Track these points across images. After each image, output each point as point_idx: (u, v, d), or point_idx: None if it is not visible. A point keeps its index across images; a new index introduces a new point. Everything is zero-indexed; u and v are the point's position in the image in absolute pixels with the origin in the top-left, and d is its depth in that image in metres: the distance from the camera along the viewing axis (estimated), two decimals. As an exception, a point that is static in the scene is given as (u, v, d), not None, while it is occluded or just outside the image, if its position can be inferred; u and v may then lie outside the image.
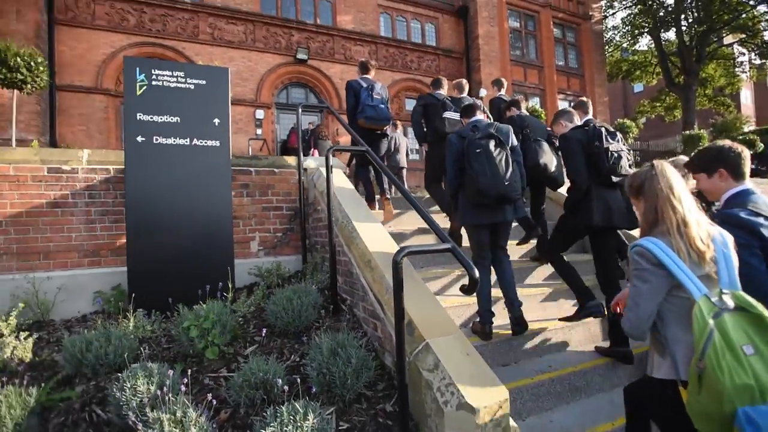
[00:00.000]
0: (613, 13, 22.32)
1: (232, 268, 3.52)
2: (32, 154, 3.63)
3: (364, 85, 4.49)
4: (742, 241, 1.58)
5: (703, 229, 1.48)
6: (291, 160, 4.31)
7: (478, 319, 2.94)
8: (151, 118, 3.35)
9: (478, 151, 2.80)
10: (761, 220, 1.65)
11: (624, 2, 21.61)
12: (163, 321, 3.16)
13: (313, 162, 4.30)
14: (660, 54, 19.42)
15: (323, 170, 3.69)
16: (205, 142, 3.50)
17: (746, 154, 1.82)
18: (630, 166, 2.93)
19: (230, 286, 3.40)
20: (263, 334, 2.81)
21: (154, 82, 3.37)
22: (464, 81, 4.66)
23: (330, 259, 3.18)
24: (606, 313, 2.98)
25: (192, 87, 3.47)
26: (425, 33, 14.36)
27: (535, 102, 14.95)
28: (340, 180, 3.88)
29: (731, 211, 1.72)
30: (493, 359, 2.76)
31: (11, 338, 2.86)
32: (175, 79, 3.42)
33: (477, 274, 1.99)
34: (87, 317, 3.49)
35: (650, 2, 18.83)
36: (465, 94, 4.48)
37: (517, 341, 2.96)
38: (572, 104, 4.02)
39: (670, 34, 20.80)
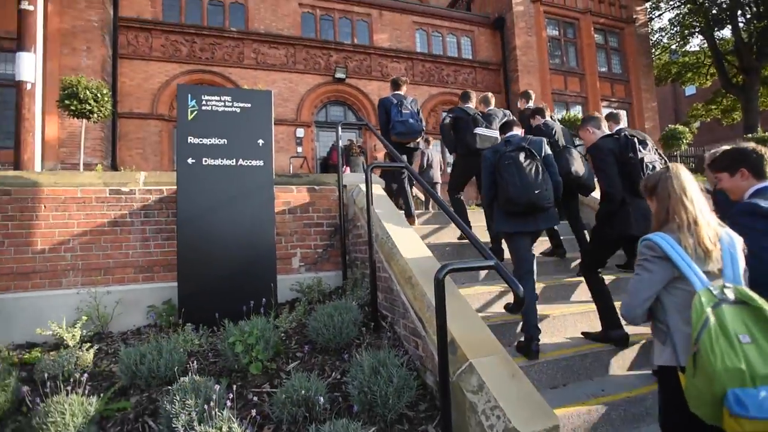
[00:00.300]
0: (660, 15, 21.31)
1: (274, 284, 3.60)
2: (96, 177, 3.94)
3: (395, 101, 4.62)
4: (761, 227, 1.71)
5: (712, 229, 1.56)
6: (331, 177, 4.40)
7: (522, 338, 2.82)
8: (201, 140, 3.55)
9: (507, 162, 2.93)
10: None
11: (671, 2, 20.61)
12: (210, 335, 3.27)
13: (352, 178, 4.36)
14: (714, 54, 18.23)
15: (362, 186, 3.73)
16: (250, 162, 3.65)
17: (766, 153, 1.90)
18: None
19: (273, 302, 3.48)
20: (305, 351, 2.83)
21: (203, 107, 3.58)
22: (490, 94, 4.72)
23: (370, 276, 3.18)
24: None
25: (238, 110, 3.65)
26: (461, 46, 14.36)
27: (576, 111, 14.44)
28: (380, 196, 3.90)
29: (749, 201, 1.81)
30: (540, 381, 2.61)
31: (75, 349, 3.07)
32: (222, 104, 3.61)
33: (522, 292, 1.91)
34: (141, 330, 3.68)
35: (701, 0, 17.83)
36: (492, 107, 4.58)
37: (566, 362, 2.79)
38: (605, 115, 3.97)
39: (725, 32, 19.53)
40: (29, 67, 4.75)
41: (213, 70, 11.33)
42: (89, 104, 6.82)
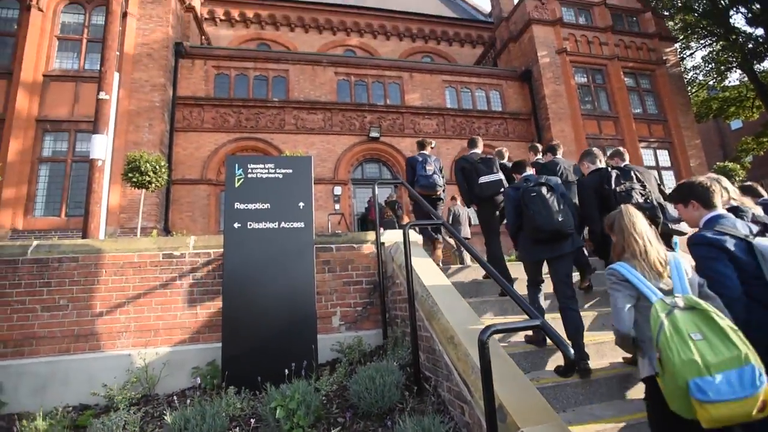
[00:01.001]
0: (691, 54, 21.13)
1: (315, 346, 3.58)
2: (152, 242, 4.24)
3: (420, 159, 5.22)
4: (713, 255, 1.92)
5: (661, 254, 1.92)
6: (369, 235, 4.48)
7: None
8: (247, 206, 3.78)
9: (533, 195, 3.23)
10: (726, 237, 1.93)
11: (702, 41, 20.46)
12: (251, 398, 3.26)
13: (390, 236, 4.42)
14: (757, 86, 17.61)
15: (401, 244, 3.76)
16: (292, 225, 3.82)
17: (715, 187, 2.10)
18: (647, 200, 3.33)
19: (314, 363, 3.45)
20: (347, 417, 2.75)
21: (249, 175, 3.85)
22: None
23: (411, 335, 3.11)
24: None
25: (281, 176, 3.89)
26: (490, 99, 14.78)
27: (615, 153, 14.14)
28: (418, 253, 3.90)
29: (700, 234, 2.03)
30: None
31: (124, 412, 3.14)
32: (266, 171, 3.88)
33: (573, 354, 1.80)
34: (186, 393, 3.73)
35: (734, 37, 17.58)
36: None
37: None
38: (611, 152, 4.35)
39: (767, 64, 18.96)
40: (101, 147, 5.37)
41: (257, 136, 12.25)
42: (149, 176, 7.51)
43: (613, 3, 16.29)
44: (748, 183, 3.31)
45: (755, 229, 2.03)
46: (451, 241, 8.37)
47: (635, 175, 3.46)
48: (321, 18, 18.14)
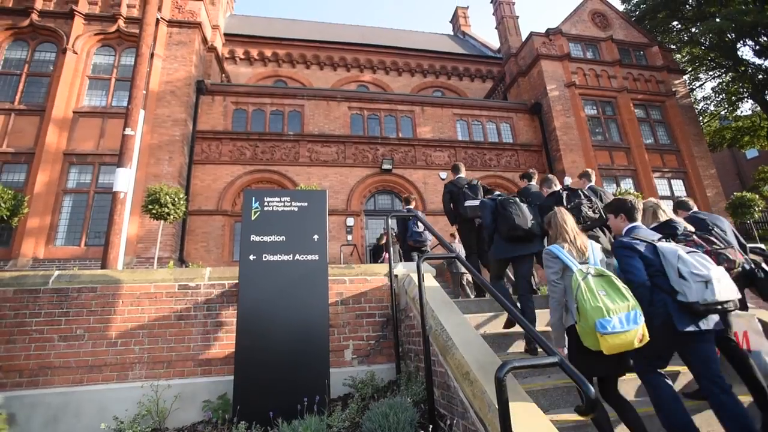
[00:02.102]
0: (701, 85, 21.29)
1: (328, 380, 3.53)
2: (168, 273, 4.31)
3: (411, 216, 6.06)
4: (627, 254, 2.65)
5: (585, 242, 2.81)
6: (382, 267, 4.48)
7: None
8: (262, 238, 3.84)
9: (511, 202, 4.09)
10: (637, 242, 2.68)
11: (711, 73, 20.64)
12: (263, 435, 3.20)
13: (403, 268, 4.41)
14: (770, 116, 17.55)
15: (414, 276, 3.74)
16: (306, 257, 3.86)
17: (639, 205, 2.93)
18: (594, 211, 4.18)
19: (326, 399, 3.39)
20: (359, 456, 2.66)
21: (266, 208, 3.94)
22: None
23: (425, 371, 3.05)
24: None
25: (296, 209, 3.98)
26: (501, 132, 14.98)
27: (627, 184, 14.05)
28: (432, 285, 3.88)
29: (619, 239, 2.80)
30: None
31: (134, 448, 3.10)
32: (282, 204, 3.97)
33: (593, 392, 1.75)
34: (196, 427, 3.67)
35: (743, 68, 17.70)
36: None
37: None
38: (579, 174, 5.30)
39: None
40: (125, 180, 5.58)
41: (272, 168, 12.55)
42: (168, 207, 7.72)
43: (619, 38, 16.68)
44: (683, 198, 4.16)
45: (657, 236, 2.75)
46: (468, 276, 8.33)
47: (581, 193, 4.38)
48: (335, 56, 18.92)
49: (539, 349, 3.30)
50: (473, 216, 5.25)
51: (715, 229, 3.29)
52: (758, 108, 18.80)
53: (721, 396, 2.34)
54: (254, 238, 3.83)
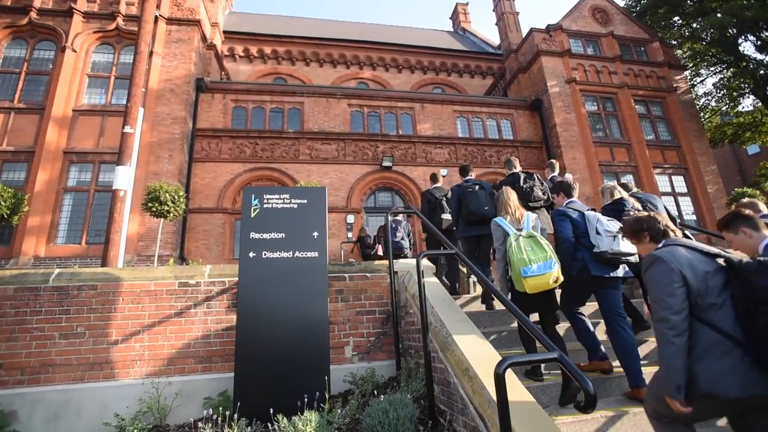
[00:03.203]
0: (702, 81, 21.19)
1: (328, 377, 3.53)
2: (169, 271, 4.31)
3: (393, 225, 6.66)
4: (560, 218, 3.41)
5: (522, 213, 3.47)
6: (382, 264, 4.48)
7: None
8: (262, 235, 3.84)
9: (470, 191, 4.94)
10: (571, 211, 3.44)
11: (712, 68, 20.54)
12: (263, 431, 3.20)
13: (403, 265, 4.41)
14: (772, 112, 17.48)
15: (414, 273, 3.74)
16: (305, 254, 3.85)
17: (575, 185, 3.77)
18: (543, 193, 4.86)
19: (326, 396, 3.39)
20: (359, 452, 2.67)
21: (265, 205, 3.93)
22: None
23: (425, 367, 3.05)
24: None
25: (296, 206, 3.97)
26: (501, 128, 14.95)
27: (628, 180, 14.01)
28: (432, 282, 3.88)
29: (557, 208, 3.60)
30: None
31: (135, 444, 3.11)
32: (281, 201, 3.96)
33: (593, 388, 1.75)
34: (197, 423, 3.67)
35: (744, 64, 17.61)
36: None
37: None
38: (547, 163, 6.07)
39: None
40: (124, 178, 5.58)
41: (272, 166, 12.54)
42: (168, 205, 7.72)
43: (620, 34, 16.61)
44: (624, 182, 5.04)
45: (587, 208, 3.51)
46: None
47: (536, 176, 5.06)
48: (335, 53, 18.87)
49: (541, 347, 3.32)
50: (447, 227, 5.54)
51: (648, 204, 4.22)
52: (759, 104, 18.73)
53: (620, 330, 3.11)
54: (254, 235, 3.83)
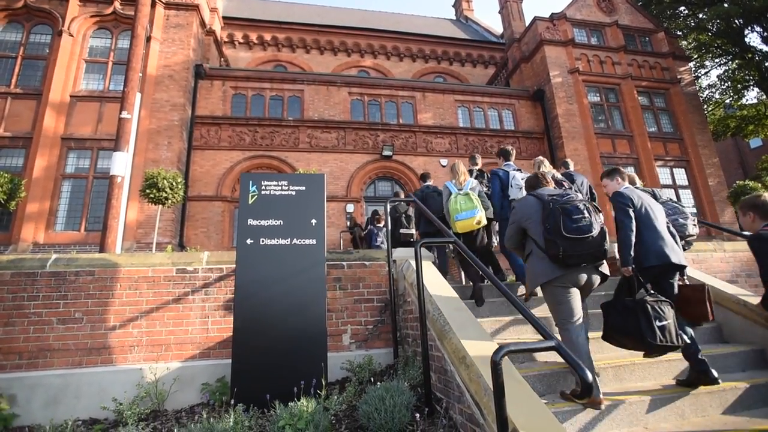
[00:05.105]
0: (706, 73, 20.97)
1: (325, 364, 3.54)
2: (166, 257, 4.30)
3: (375, 231, 8.11)
4: (494, 178, 4.82)
5: (466, 179, 4.72)
6: (381, 252, 4.47)
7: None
8: (260, 222, 3.82)
9: (428, 195, 5.74)
10: (500, 170, 4.84)
11: (717, 60, 20.32)
12: (260, 417, 3.22)
13: (401, 253, 4.40)
14: (776, 105, 17.33)
15: (412, 262, 3.73)
16: (304, 241, 3.83)
17: (512, 151, 5.01)
18: (523, 180, 4.82)
19: (323, 383, 3.40)
20: (356, 438, 2.68)
21: (263, 192, 3.90)
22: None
23: (422, 355, 3.05)
24: None
25: (294, 193, 3.94)
26: (503, 118, 14.82)
27: (629, 172, 13.94)
28: (430, 271, 3.87)
29: (492, 169, 4.96)
30: None
31: (132, 428, 3.13)
32: (279, 188, 3.93)
33: (590, 377, 1.74)
34: (194, 409, 3.70)
35: (750, 55, 17.40)
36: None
37: None
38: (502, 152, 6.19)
39: (785, 83, 18.64)
40: (122, 164, 5.53)
41: (271, 154, 12.47)
42: (166, 192, 7.68)
43: (625, 23, 16.38)
44: (566, 160, 5.78)
45: (513, 167, 4.82)
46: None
47: (484, 172, 5.70)
48: (336, 40, 18.64)
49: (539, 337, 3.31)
50: (405, 240, 6.72)
51: (568, 181, 4.77)
52: (764, 96, 18.56)
53: (516, 258, 4.35)
54: (251, 222, 3.80)
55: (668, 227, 3.22)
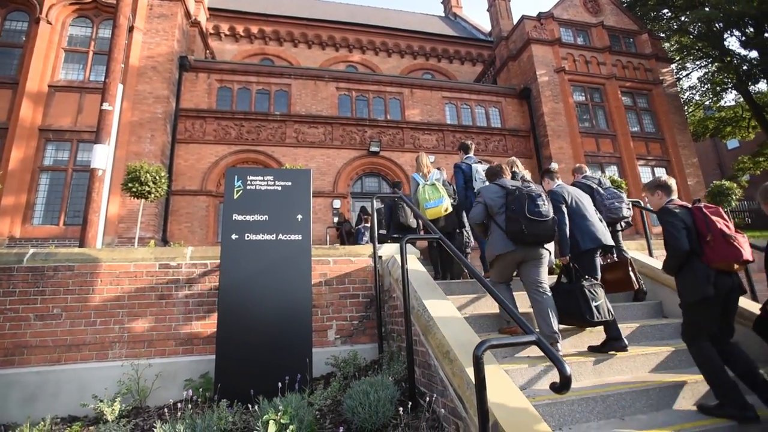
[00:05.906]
0: (687, 75, 21.48)
1: (310, 360, 3.55)
2: (149, 252, 4.23)
3: (363, 231, 8.34)
4: (457, 172, 5.23)
5: (430, 170, 5.20)
6: (366, 248, 4.47)
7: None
8: (245, 217, 3.78)
9: (400, 204, 5.66)
10: (464, 165, 5.19)
11: (698, 62, 20.82)
12: (243, 412, 3.21)
13: (387, 249, 4.41)
14: (753, 107, 17.86)
15: (398, 257, 3.75)
16: (289, 237, 3.81)
17: (471, 145, 5.39)
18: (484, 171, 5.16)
19: (308, 378, 3.41)
20: (340, 432, 2.70)
21: (248, 187, 3.86)
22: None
23: (407, 350, 3.08)
24: None
25: (279, 188, 3.91)
26: (490, 116, 14.94)
27: (612, 171, 14.24)
28: (415, 267, 3.89)
29: (455, 163, 5.33)
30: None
31: (114, 424, 3.09)
32: (265, 183, 3.89)
33: (569, 370, 1.79)
34: (177, 405, 3.65)
35: (729, 59, 17.88)
36: (472, 155, 6.34)
37: None
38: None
39: (761, 86, 19.26)
40: (103, 157, 5.41)
41: (257, 149, 12.33)
42: (148, 186, 7.53)
43: (610, 24, 16.64)
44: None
45: (475, 159, 5.23)
46: None
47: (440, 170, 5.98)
48: (324, 34, 18.49)
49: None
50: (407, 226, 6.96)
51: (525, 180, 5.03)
52: (741, 99, 19.10)
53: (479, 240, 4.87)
54: (236, 217, 3.77)
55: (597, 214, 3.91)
